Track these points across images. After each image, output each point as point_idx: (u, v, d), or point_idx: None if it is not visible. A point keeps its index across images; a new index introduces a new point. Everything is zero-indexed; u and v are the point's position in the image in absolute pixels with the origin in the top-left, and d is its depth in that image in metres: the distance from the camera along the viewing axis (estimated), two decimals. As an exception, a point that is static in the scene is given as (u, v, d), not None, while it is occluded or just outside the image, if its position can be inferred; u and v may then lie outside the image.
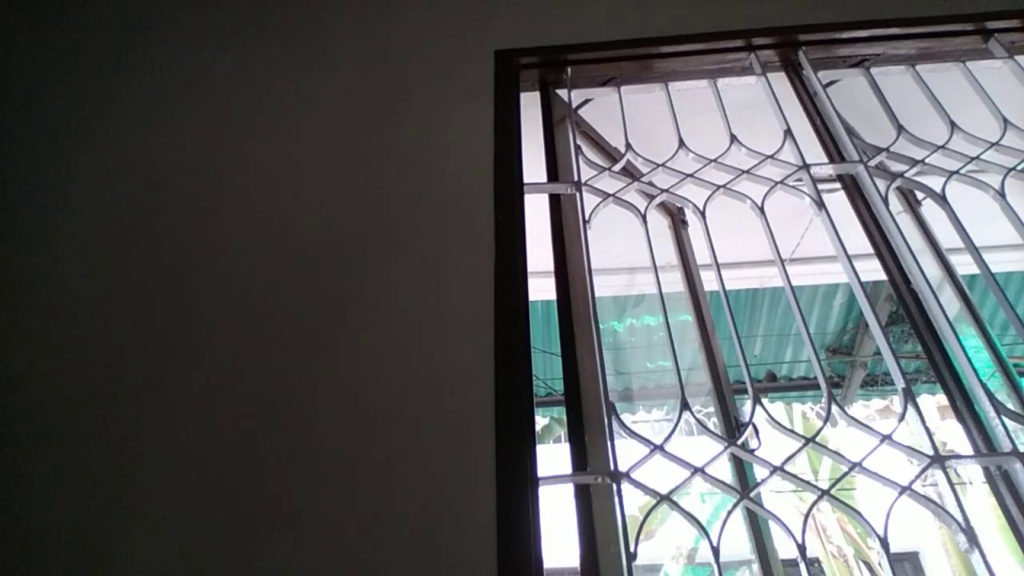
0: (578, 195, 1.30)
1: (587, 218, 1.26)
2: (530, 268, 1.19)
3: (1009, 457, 0.95)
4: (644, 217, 1.29)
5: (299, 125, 1.43)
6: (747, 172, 1.35)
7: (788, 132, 1.39)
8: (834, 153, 1.40)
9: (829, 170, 1.36)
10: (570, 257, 1.23)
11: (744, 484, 1.32)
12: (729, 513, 0.95)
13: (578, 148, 1.38)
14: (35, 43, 1.68)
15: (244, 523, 0.93)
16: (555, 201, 1.33)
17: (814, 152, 1.40)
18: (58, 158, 1.42)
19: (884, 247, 1.24)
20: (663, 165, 1.36)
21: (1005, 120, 1.39)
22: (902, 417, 1.02)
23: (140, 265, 1.23)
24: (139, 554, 0.92)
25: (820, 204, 1.27)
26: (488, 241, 1.18)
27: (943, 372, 1.10)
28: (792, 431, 1.06)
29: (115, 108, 1.51)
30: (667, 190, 1.33)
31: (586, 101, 1.72)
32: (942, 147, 1.37)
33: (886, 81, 1.52)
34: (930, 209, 1.33)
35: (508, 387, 1.00)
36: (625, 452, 0.96)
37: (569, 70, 1.53)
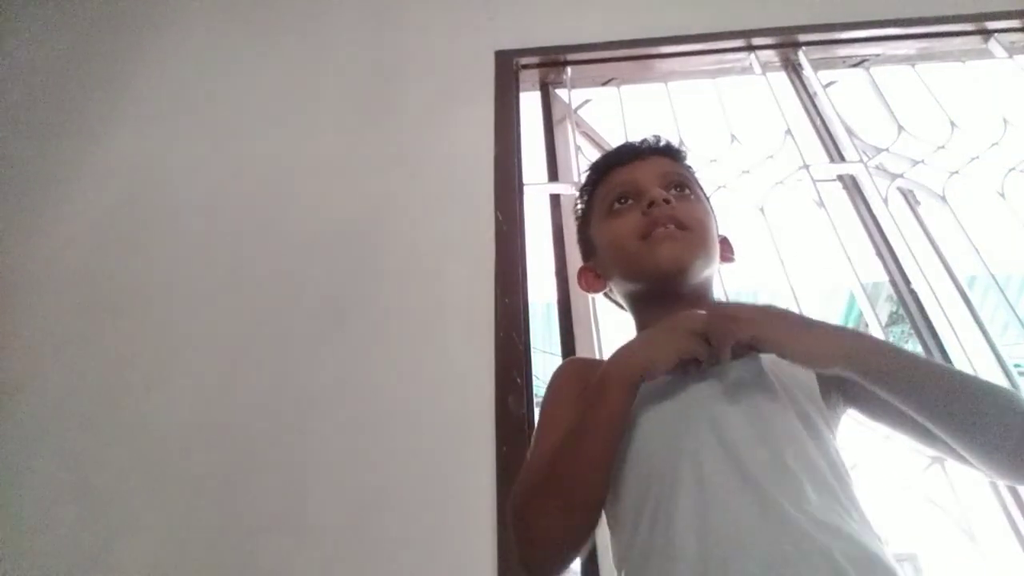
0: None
1: (587, 218, 1.26)
2: (530, 268, 1.19)
3: (1009, 457, 0.95)
4: (644, 217, 1.29)
5: (299, 125, 1.43)
6: (747, 172, 1.35)
7: (788, 132, 1.39)
8: (834, 153, 1.40)
9: (829, 170, 1.36)
10: (570, 257, 1.23)
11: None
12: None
13: (578, 148, 1.38)
14: (36, 44, 1.68)
15: (243, 522, 0.93)
16: (555, 201, 1.33)
17: (814, 152, 1.40)
18: (58, 157, 1.42)
19: (884, 247, 1.24)
20: (663, 165, 1.36)
21: (1005, 120, 1.39)
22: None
23: (139, 264, 1.23)
24: (139, 554, 0.92)
25: (820, 204, 1.27)
26: (488, 241, 1.18)
27: (943, 372, 1.09)
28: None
29: (115, 109, 1.51)
30: (667, 190, 1.33)
31: (586, 101, 1.72)
32: (942, 147, 1.37)
33: (886, 81, 1.52)
34: (930, 209, 1.33)
35: (508, 387, 1.00)
36: (625, 452, 0.96)
37: (569, 70, 1.53)
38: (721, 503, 0.50)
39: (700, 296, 0.71)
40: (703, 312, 0.58)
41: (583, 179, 0.84)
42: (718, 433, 0.55)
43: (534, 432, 0.68)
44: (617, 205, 0.73)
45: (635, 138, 0.81)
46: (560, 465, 0.56)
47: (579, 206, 0.83)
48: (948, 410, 0.51)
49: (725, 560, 0.46)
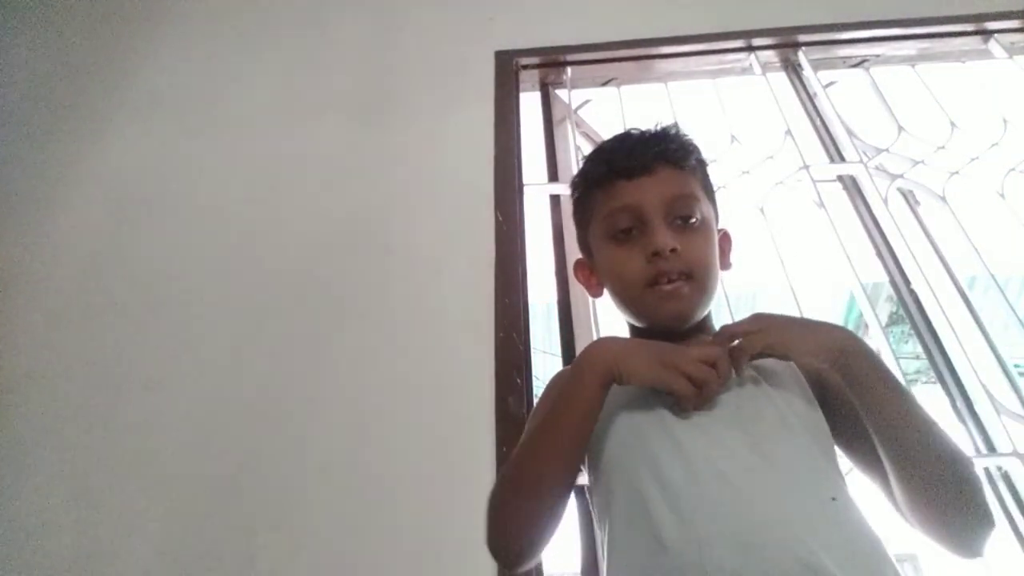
0: (578, 195, 1.30)
1: (587, 218, 1.26)
2: (530, 268, 1.19)
3: (1009, 457, 0.95)
4: (644, 217, 1.29)
5: (299, 125, 1.43)
6: (747, 172, 1.36)
7: (788, 132, 1.39)
8: (834, 153, 1.40)
9: (829, 170, 1.36)
10: (570, 257, 1.23)
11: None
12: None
13: (578, 148, 1.38)
14: (36, 43, 1.68)
15: (243, 522, 0.93)
16: (555, 201, 1.33)
17: (814, 152, 1.40)
18: (58, 157, 1.42)
19: (884, 247, 1.24)
20: (663, 165, 1.36)
21: (1005, 120, 1.39)
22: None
23: (139, 265, 1.23)
24: (139, 554, 0.92)
25: (820, 204, 1.27)
26: (488, 241, 1.18)
27: (943, 372, 1.10)
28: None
29: (115, 109, 1.51)
30: (667, 190, 1.33)
31: (586, 101, 1.72)
32: (942, 147, 1.37)
33: (886, 81, 1.52)
34: (930, 209, 1.33)
35: (508, 387, 1.00)
36: (625, 452, 0.96)
37: (569, 71, 1.53)
38: (696, 497, 0.51)
39: (700, 328, 0.70)
40: (710, 353, 0.58)
41: (582, 166, 0.80)
42: (692, 434, 0.56)
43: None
44: (621, 235, 0.70)
45: (640, 129, 0.76)
46: (526, 458, 0.59)
47: (576, 194, 0.79)
48: (904, 435, 0.54)
49: (700, 545, 0.48)
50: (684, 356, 0.58)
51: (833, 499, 0.52)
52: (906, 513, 0.55)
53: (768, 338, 0.58)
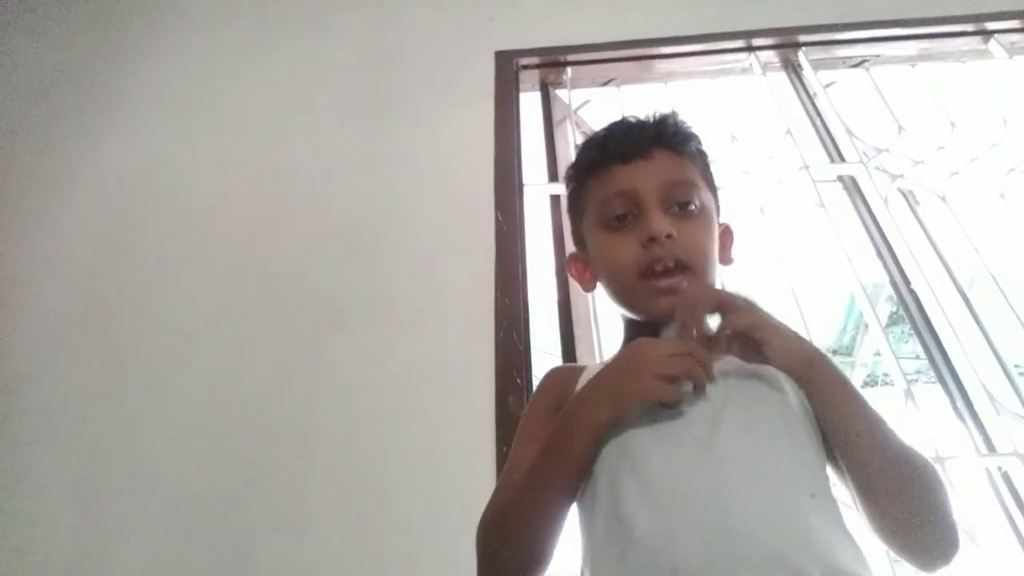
0: (578, 195, 1.30)
1: (587, 218, 1.26)
2: (530, 268, 1.19)
3: (1009, 457, 0.95)
4: (644, 217, 1.29)
5: (299, 126, 1.43)
6: (747, 172, 1.36)
7: (788, 132, 1.39)
8: (834, 153, 1.40)
9: (829, 170, 1.36)
10: (570, 257, 1.23)
11: (744, 484, 1.31)
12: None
13: (578, 148, 1.38)
14: (36, 44, 1.68)
15: (242, 522, 0.93)
16: (555, 201, 1.33)
17: (814, 152, 1.40)
18: (58, 157, 1.42)
19: (884, 247, 1.24)
20: (663, 165, 1.36)
21: (1005, 120, 1.39)
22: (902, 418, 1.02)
23: (139, 265, 1.23)
24: (139, 554, 0.92)
25: (820, 205, 1.27)
26: (488, 241, 1.18)
27: (943, 372, 1.10)
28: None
29: (115, 109, 1.51)
30: (667, 190, 1.33)
31: (586, 102, 1.72)
32: (942, 147, 1.37)
33: (886, 81, 1.52)
34: (930, 209, 1.33)
35: (508, 387, 1.00)
36: (625, 452, 0.96)
37: (569, 71, 1.53)
38: (670, 490, 0.51)
39: None
40: (673, 345, 0.57)
41: (576, 155, 0.78)
42: (675, 428, 0.56)
43: (512, 445, 0.68)
44: (615, 222, 0.67)
45: (637, 116, 0.73)
46: (514, 515, 0.58)
47: (571, 186, 0.77)
48: (864, 443, 0.54)
49: (670, 537, 0.47)
50: (652, 361, 0.55)
51: (812, 496, 0.51)
52: (869, 524, 0.55)
53: (753, 318, 0.57)
